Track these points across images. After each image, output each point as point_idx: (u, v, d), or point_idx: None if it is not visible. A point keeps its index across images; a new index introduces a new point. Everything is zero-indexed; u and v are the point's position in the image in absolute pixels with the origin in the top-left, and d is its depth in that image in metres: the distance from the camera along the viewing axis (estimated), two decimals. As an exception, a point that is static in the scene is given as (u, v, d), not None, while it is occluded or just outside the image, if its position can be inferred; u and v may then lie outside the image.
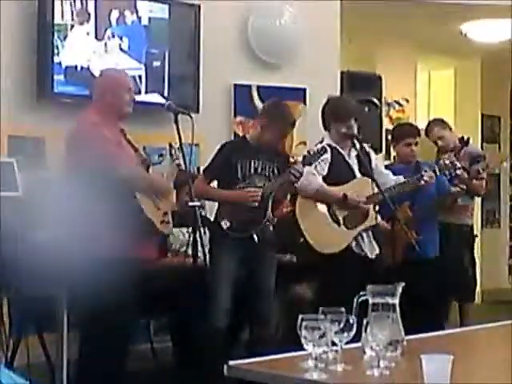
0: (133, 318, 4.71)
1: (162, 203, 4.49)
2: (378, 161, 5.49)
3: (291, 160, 5.33)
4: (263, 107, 5.55)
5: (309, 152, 4.97)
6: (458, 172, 5.51)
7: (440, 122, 6.67)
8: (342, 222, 5.07)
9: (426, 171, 5.27)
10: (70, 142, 4.40)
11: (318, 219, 5.06)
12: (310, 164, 4.94)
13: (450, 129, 6.73)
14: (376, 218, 5.20)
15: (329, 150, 5.01)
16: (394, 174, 5.42)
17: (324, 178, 5.06)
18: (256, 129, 5.30)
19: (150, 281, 4.77)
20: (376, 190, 5.00)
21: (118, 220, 4.17)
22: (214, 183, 5.20)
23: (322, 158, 4.95)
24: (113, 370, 4.29)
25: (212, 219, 5.25)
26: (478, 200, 9.29)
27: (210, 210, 5.58)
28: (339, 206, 5.06)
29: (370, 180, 5.05)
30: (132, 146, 4.54)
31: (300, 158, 5.03)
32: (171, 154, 4.64)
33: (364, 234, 5.11)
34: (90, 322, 4.26)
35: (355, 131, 5.17)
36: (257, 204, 4.98)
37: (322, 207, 5.07)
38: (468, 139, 6.50)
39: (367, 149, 5.30)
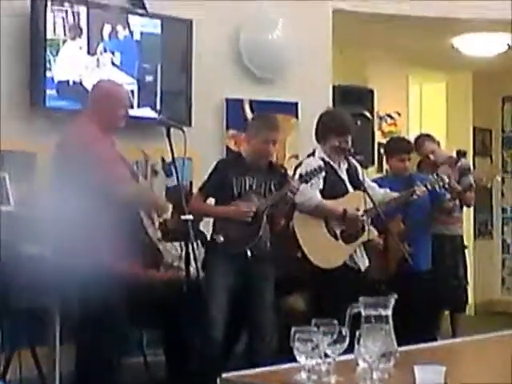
0: (125, 331, 4.71)
1: (155, 216, 4.50)
2: (364, 174, 5.48)
3: (289, 174, 5.31)
4: (248, 121, 5.58)
5: (306, 171, 4.96)
6: (448, 186, 5.55)
7: (429, 137, 6.71)
8: (339, 236, 5.07)
9: (418, 186, 5.30)
10: (67, 152, 4.33)
11: (316, 234, 5.07)
12: (307, 182, 4.95)
13: (438, 143, 6.78)
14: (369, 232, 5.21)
15: (322, 165, 5.01)
16: (386, 186, 5.45)
17: (319, 192, 5.08)
18: (247, 144, 5.31)
19: (143, 294, 4.78)
20: (369, 203, 5.02)
21: (119, 237, 4.17)
22: (212, 200, 5.22)
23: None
24: (105, 382, 4.30)
25: (207, 234, 5.26)
26: (470, 212, 9.33)
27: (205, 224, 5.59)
28: (337, 221, 5.07)
29: (362, 193, 5.07)
30: (121, 157, 4.53)
31: (293, 172, 5.05)
32: (164, 169, 4.67)
33: (357, 248, 5.12)
34: (82, 334, 4.25)
35: (349, 145, 5.19)
36: (250, 220, 4.98)
37: (319, 222, 5.08)
38: (465, 152, 6.55)
39: (354, 162, 5.31)
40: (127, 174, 4.41)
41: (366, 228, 5.09)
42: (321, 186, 5.06)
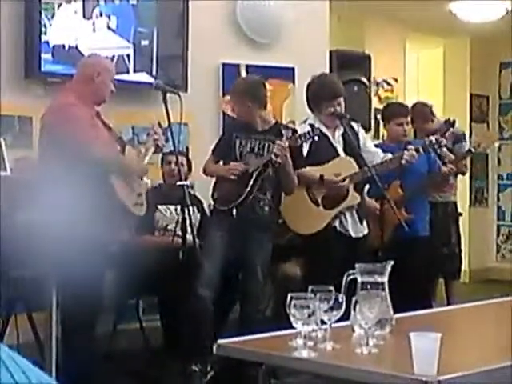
0: (120, 298, 4.72)
1: (136, 184, 4.51)
2: (367, 139, 5.47)
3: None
4: None
5: (299, 135, 4.95)
6: (444, 149, 5.52)
7: (424, 105, 6.66)
8: (320, 202, 5.07)
9: (408, 150, 5.23)
10: (43, 120, 4.45)
11: (297, 200, 5.08)
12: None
13: (431, 111, 6.68)
14: (363, 198, 5.21)
15: (310, 130, 4.99)
16: (384, 152, 5.42)
17: (305, 160, 5.07)
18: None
19: (137, 260, 4.78)
20: (357, 169, 5.01)
21: (92, 201, 4.19)
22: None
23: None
24: (100, 348, 4.33)
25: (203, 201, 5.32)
26: (466, 179, 9.34)
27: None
28: (317, 187, 5.07)
29: (353, 159, 5.05)
30: (107, 126, 4.55)
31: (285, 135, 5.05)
32: (153, 133, 4.66)
33: (347, 214, 5.11)
34: (76, 302, 4.27)
35: (343, 110, 5.16)
36: (236, 178, 4.99)
37: (301, 188, 5.08)
38: (454, 121, 6.50)
39: (355, 127, 5.27)
40: (102, 139, 4.41)
41: (351, 193, 5.06)
42: (303, 154, 5.06)
